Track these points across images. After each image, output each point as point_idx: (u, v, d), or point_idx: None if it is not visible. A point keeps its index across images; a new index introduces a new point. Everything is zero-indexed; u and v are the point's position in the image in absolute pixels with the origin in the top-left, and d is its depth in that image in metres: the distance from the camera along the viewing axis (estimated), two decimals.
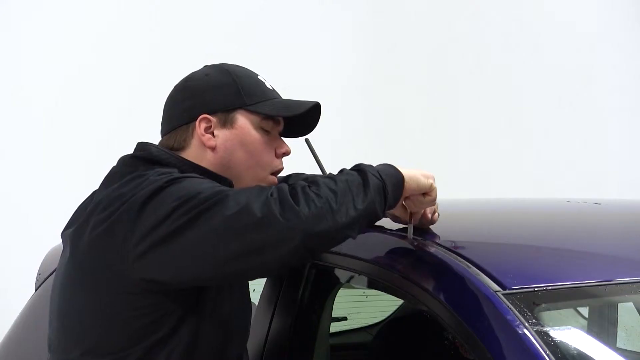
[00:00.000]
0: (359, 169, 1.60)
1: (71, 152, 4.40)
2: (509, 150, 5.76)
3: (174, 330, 1.56)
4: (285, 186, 1.52)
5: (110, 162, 1.71)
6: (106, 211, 1.54)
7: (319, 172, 1.92)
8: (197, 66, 1.81)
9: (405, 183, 1.64)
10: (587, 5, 6.17)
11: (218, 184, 1.57)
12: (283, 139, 1.79)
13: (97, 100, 4.51)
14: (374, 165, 1.64)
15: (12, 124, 4.35)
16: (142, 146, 1.70)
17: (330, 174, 1.75)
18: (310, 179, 1.57)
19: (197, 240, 1.48)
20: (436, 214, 1.79)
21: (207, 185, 1.54)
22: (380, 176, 1.59)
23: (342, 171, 1.62)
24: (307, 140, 1.87)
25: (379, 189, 1.57)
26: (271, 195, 1.49)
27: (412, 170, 1.67)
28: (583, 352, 1.50)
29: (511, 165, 5.70)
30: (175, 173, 1.59)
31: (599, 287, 1.63)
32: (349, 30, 5.32)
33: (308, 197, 1.48)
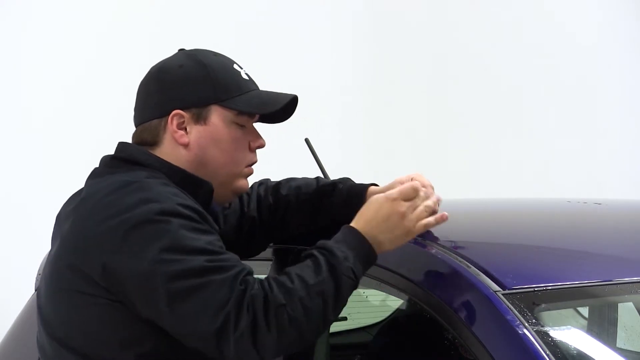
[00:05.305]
0: (331, 267, 1.51)
1: (72, 152, 4.39)
2: (510, 151, 5.75)
3: (156, 347, 1.54)
4: (260, 304, 1.46)
5: None
6: (91, 220, 1.56)
7: (319, 172, 1.92)
8: None
9: (376, 251, 1.58)
10: (588, 5, 6.17)
11: (208, 241, 1.51)
12: (257, 129, 1.74)
13: (98, 100, 4.50)
14: (347, 242, 1.55)
15: (12, 124, 4.34)
16: (122, 147, 1.69)
17: (315, 248, 1.58)
18: (288, 275, 1.50)
19: (166, 305, 1.47)
20: (432, 218, 1.63)
21: (197, 245, 1.49)
22: (355, 275, 1.54)
23: (319, 254, 1.52)
24: (307, 140, 1.86)
25: (352, 287, 1.54)
26: (247, 310, 1.45)
27: (377, 226, 1.58)
28: (583, 352, 1.50)
29: (511, 166, 5.69)
30: (163, 190, 1.56)
31: (599, 287, 1.63)
32: (349, 30, 5.32)
33: (281, 324, 1.46)
